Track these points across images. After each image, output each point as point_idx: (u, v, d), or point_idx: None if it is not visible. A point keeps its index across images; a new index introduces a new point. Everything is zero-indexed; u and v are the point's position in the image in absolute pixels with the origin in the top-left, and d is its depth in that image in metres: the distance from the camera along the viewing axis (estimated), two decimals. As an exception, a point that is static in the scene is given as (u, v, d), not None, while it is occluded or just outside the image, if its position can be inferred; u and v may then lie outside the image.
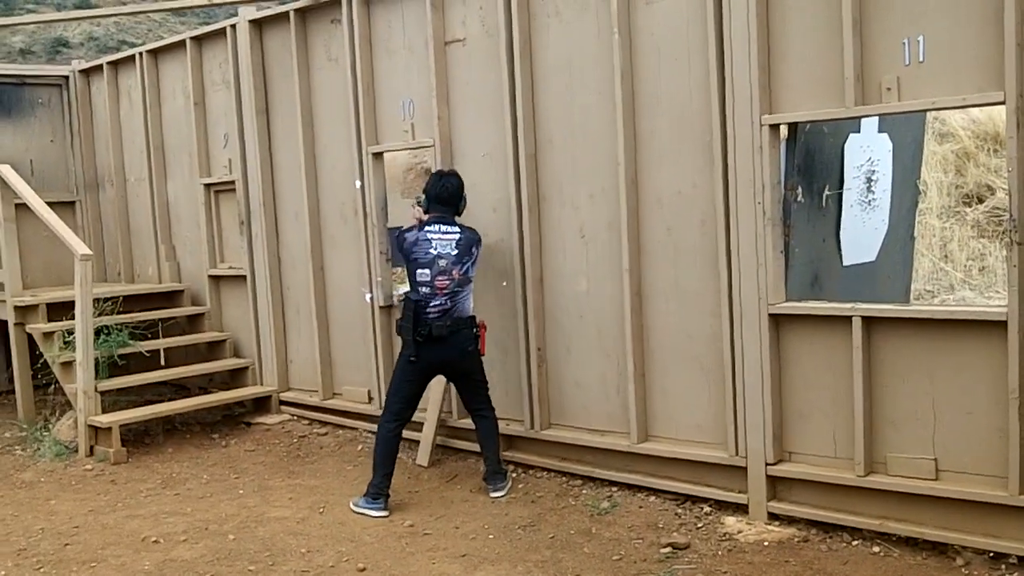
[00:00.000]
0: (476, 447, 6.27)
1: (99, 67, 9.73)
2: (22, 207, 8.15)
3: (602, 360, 5.86)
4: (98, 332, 7.50)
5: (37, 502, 6.28)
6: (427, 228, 5.82)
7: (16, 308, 8.06)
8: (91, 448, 7.24)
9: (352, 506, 5.75)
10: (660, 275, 5.53)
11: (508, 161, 6.12)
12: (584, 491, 5.82)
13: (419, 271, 5.74)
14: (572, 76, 5.83)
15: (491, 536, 5.22)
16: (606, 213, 5.72)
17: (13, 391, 8.58)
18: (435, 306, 5.73)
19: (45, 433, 7.65)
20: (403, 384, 5.88)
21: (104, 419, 7.17)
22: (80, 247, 7.40)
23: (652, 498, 5.57)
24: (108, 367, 7.53)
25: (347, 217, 7.36)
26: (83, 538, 5.55)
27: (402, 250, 5.83)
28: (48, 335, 7.78)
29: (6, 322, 8.28)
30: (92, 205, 9.96)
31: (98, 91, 9.78)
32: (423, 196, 6.02)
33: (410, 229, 5.87)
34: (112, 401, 7.61)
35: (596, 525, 5.28)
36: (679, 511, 5.38)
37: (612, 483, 5.80)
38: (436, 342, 5.74)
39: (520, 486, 6.01)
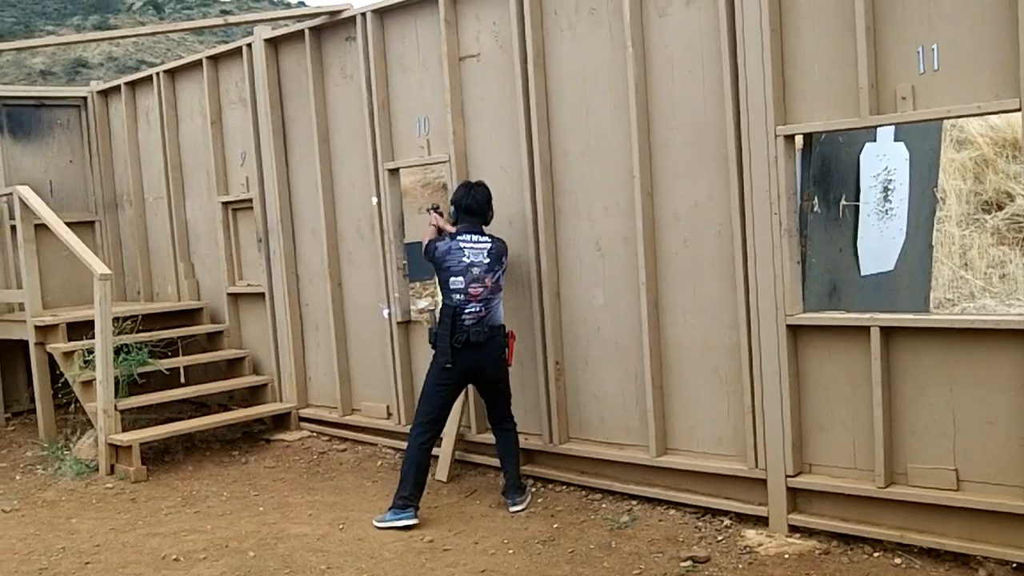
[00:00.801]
0: (495, 462, 6.27)
1: (117, 87, 9.83)
2: (42, 228, 8.24)
3: (620, 373, 5.85)
4: (118, 351, 7.55)
5: (58, 521, 6.31)
6: (459, 238, 5.85)
7: (36, 328, 8.13)
8: (111, 467, 7.26)
9: (376, 523, 5.72)
10: (677, 287, 5.52)
11: (523, 175, 6.13)
12: (603, 505, 5.80)
13: (452, 279, 5.76)
14: (586, 89, 5.84)
15: (511, 551, 5.21)
16: (622, 226, 5.72)
17: (34, 410, 8.65)
18: (470, 312, 5.76)
19: (66, 452, 7.70)
20: (435, 393, 5.87)
21: (124, 437, 7.20)
22: (99, 267, 7.45)
23: (672, 511, 5.55)
24: (128, 385, 7.58)
25: (364, 233, 7.38)
26: (104, 556, 5.56)
27: (433, 259, 5.85)
28: (68, 354, 7.82)
29: (27, 342, 8.35)
30: (111, 225, 10.03)
31: (116, 111, 9.87)
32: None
33: (440, 239, 5.91)
34: (132, 419, 7.65)
35: (616, 539, 5.26)
36: (699, 524, 5.35)
37: (631, 496, 5.78)
38: (472, 348, 5.76)
39: (539, 500, 6.00)
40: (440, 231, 6.04)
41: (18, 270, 9.04)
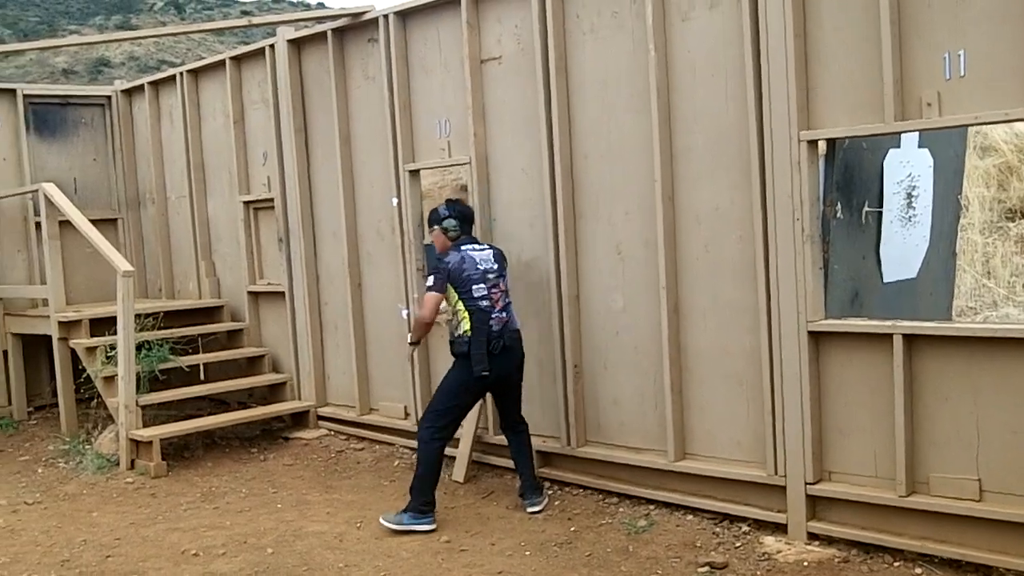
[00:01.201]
0: (511, 464, 6.26)
1: (140, 87, 9.90)
2: (66, 225, 8.30)
3: (639, 377, 5.84)
4: (139, 347, 7.61)
5: (80, 514, 6.36)
6: (463, 248, 5.85)
7: (60, 323, 8.19)
8: (132, 461, 7.32)
9: (391, 525, 5.67)
10: (697, 292, 5.51)
11: (544, 178, 6.13)
12: (621, 509, 5.79)
13: (475, 287, 5.73)
14: (608, 93, 5.84)
15: (527, 553, 5.21)
16: (642, 229, 5.72)
17: (56, 405, 8.72)
18: (496, 318, 5.76)
19: (87, 446, 7.76)
20: (461, 400, 5.86)
21: (145, 433, 7.25)
22: (122, 264, 7.50)
23: (689, 517, 5.53)
24: (149, 381, 7.62)
25: (384, 234, 7.41)
26: (124, 550, 5.61)
27: (450, 275, 5.75)
28: (91, 350, 7.88)
29: (50, 337, 8.41)
30: (134, 222, 10.11)
31: (139, 110, 9.94)
32: (442, 218, 6.01)
33: (445, 254, 5.86)
34: (153, 415, 7.70)
35: (633, 543, 5.25)
36: (717, 530, 5.33)
37: (649, 501, 5.77)
38: (505, 354, 5.77)
39: (556, 503, 6.00)
40: (454, 244, 5.96)
41: (42, 266, 9.13)
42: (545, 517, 5.77)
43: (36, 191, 8.61)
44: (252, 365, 8.58)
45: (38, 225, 9.10)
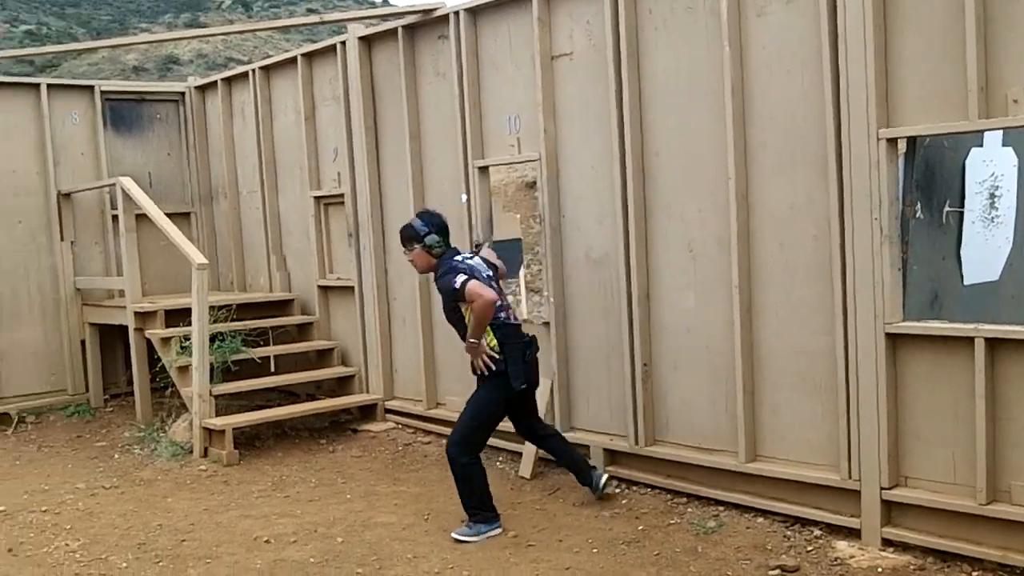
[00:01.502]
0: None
1: (214, 83, 10.06)
2: (141, 218, 8.48)
3: (710, 377, 5.79)
4: (213, 338, 7.75)
5: (155, 499, 6.51)
6: (456, 259, 5.59)
7: (136, 314, 8.39)
8: (205, 450, 7.46)
9: (469, 538, 5.45)
10: (771, 291, 5.45)
11: (615, 174, 6.11)
12: (689, 509, 5.75)
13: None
14: (680, 89, 5.79)
15: (595, 550, 5.20)
16: (715, 227, 5.67)
17: (131, 393, 8.93)
18: (515, 325, 5.65)
19: (162, 434, 7.94)
20: (496, 420, 5.72)
21: (218, 422, 7.39)
22: (197, 256, 7.65)
23: (760, 519, 5.48)
24: (222, 372, 7.76)
25: (453, 230, 7.41)
26: (198, 535, 5.73)
27: (464, 292, 5.37)
28: (166, 340, 8.05)
29: (126, 327, 8.61)
30: (206, 217, 10.29)
31: (212, 106, 10.11)
32: (422, 235, 5.63)
33: (451, 271, 5.47)
34: (225, 405, 7.84)
35: (702, 544, 5.21)
36: (788, 533, 5.27)
37: (718, 502, 5.72)
38: (534, 361, 5.71)
39: (623, 501, 5.98)
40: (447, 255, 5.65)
41: (118, 258, 9.35)
42: (612, 515, 5.75)
43: (113, 185, 8.80)
44: (321, 358, 8.68)
45: (114, 218, 9.35)
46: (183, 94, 10.37)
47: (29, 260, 9.34)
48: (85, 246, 9.67)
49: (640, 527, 5.52)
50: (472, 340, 5.46)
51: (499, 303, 5.47)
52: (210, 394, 7.52)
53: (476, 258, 5.72)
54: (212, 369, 7.61)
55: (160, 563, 5.30)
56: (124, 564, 5.30)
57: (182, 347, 7.89)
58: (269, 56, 9.67)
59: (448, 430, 7.49)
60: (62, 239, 9.45)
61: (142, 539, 5.70)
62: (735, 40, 5.43)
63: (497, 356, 5.49)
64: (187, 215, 10.20)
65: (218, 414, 7.60)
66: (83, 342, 9.47)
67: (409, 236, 5.66)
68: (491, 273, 5.65)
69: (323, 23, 8.47)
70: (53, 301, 9.44)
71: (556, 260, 6.58)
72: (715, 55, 5.55)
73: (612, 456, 6.34)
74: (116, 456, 7.71)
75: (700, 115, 5.70)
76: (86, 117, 9.74)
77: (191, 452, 7.51)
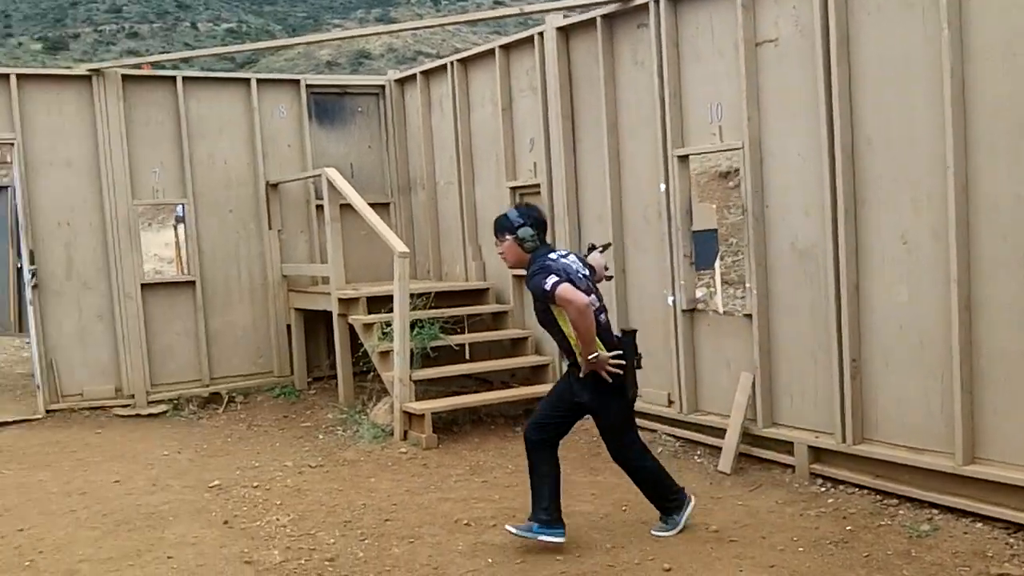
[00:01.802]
0: (782, 457, 6.14)
1: (412, 76, 10.36)
2: (345, 207, 8.82)
3: (924, 374, 5.54)
4: (412, 325, 7.98)
5: (359, 479, 6.77)
6: (550, 256, 5.10)
7: (340, 300, 8.73)
8: (405, 433, 7.70)
9: (519, 532, 5.23)
10: (993, 285, 5.16)
11: (823, 163, 5.93)
12: (900, 511, 5.52)
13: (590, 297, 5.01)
14: (894, 75, 5.56)
15: (800, 549, 5.08)
16: (931, 218, 5.41)
17: (333, 376, 9.31)
18: (607, 327, 5.20)
19: (363, 416, 8.25)
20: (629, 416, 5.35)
21: (418, 406, 7.62)
22: (399, 245, 7.90)
23: (978, 524, 5.20)
24: (420, 358, 7.99)
25: (650, 220, 7.40)
26: (401, 516, 5.91)
27: (555, 296, 4.86)
28: (368, 326, 8.35)
29: (329, 313, 8.98)
30: (404, 207, 10.61)
31: (411, 99, 10.40)
32: (516, 226, 5.14)
33: (542, 271, 4.96)
34: (423, 390, 8.08)
35: (915, 548, 5.01)
36: (1010, 540, 4.99)
37: (932, 505, 5.47)
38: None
39: (829, 501, 5.81)
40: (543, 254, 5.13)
41: (322, 246, 9.77)
42: (818, 514, 5.60)
43: (319, 176, 9.18)
44: (515, 346, 8.81)
45: (319, 208, 9.78)
46: (383, 87, 10.72)
47: (240, 248, 9.87)
48: (291, 234, 10.14)
49: (848, 527, 5.35)
50: (590, 357, 4.92)
51: (598, 304, 5.07)
52: (410, 379, 7.75)
53: (571, 256, 5.23)
54: (412, 355, 7.85)
55: (365, 541, 5.50)
56: (331, 540, 5.53)
57: (384, 333, 8.17)
58: (457, 49, 9.90)
59: (644, 422, 7.50)
60: (270, 228, 9.94)
61: (348, 517, 5.93)
62: (955, 23, 5.17)
63: (615, 364, 5.01)
64: (386, 205, 10.54)
65: (417, 399, 7.83)
66: (288, 326, 9.95)
67: (502, 226, 5.18)
68: (587, 272, 5.18)
69: (523, 14, 8.55)
70: (261, 287, 9.95)
71: (759, 251, 6.44)
72: (932, 40, 5.30)
73: (816, 453, 6.16)
74: (320, 437, 8.07)
75: (916, 102, 5.45)
76: (292, 110, 10.20)
77: (391, 435, 7.77)
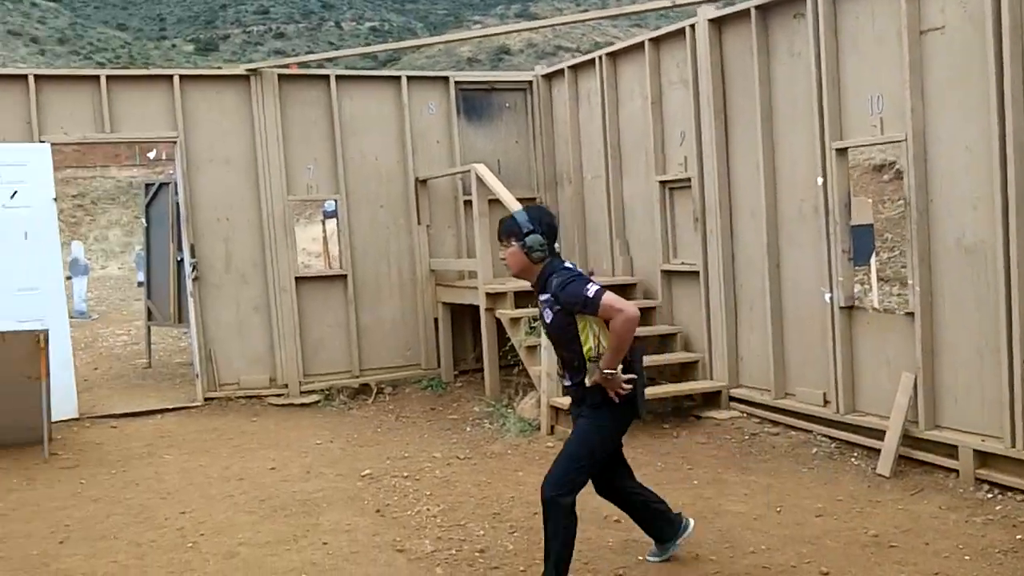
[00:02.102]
0: (944, 461, 5.89)
1: (560, 71, 10.37)
2: (493, 203, 8.91)
3: (1105, 377, 5.24)
4: (560, 319, 7.97)
5: (506, 472, 6.82)
6: (572, 267, 4.58)
7: (487, 294, 8.82)
8: (552, 427, 7.72)
9: None
10: None
11: (993, 155, 5.67)
12: (1078, 521, 5.25)
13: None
14: (1078, 61, 5.27)
15: (967, 558, 4.87)
16: (1116, 213, 5.11)
17: (479, 370, 9.42)
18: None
19: (509, 410, 8.32)
20: (609, 452, 4.85)
21: (565, 401, 7.56)
22: (547, 240, 7.91)
23: None
24: (568, 353, 7.99)
25: (806, 215, 7.21)
26: (550, 509, 5.93)
27: (600, 304, 4.34)
28: (515, 320, 8.41)
29: (476, 307, 9.09)
30: (551, 202, 10.62)
31: (559, 94, 10.42)
32: (524, 232, 4.51)
33: (577, 279, 4.43)
34: (569, 385, 8.07)
35: (1094, 561, 4.74)
36: None
37: (1114, 515, 5.18)
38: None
39: (996, 508, 5.54)
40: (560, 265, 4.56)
41: (469, 241, 9.90)
42: (984, 522, 5.36)
43: (468, 171, 9.30)
44: (664, 343, 8.72)
45: (466, 203, 9.91)
46: (530, 83, 10.78)
47: (390, 242, 10.08)
48: (439, 229, 10.30)
49: (1018, 536, 5.10)
50: (609, 371, 4.38)
51: None
52: (558, 373, 7.75)
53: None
54: (559, 349, 7.85)
55: (515, 533, 5.54)
56: (481, 532, 5.59)
57: (531, 327, 8.21)
58: (597, 43, 9.90)
59: (798, 422, 7.35)
60: (419, 223, 10.12)
61: (496, 509, 5.98)
62: None
63: (627, 383, 4.50)
64: (533, 200, 10.56)
65: (563, 393, 7.82)
66: (435, 320, 10.10)
67: (508, 230, 4.56)
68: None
69: (676, 7, 8.45)
70: (410, 281, 10.14)
71: (922, 246, 6.20)
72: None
73: (982, 458, 5.89)
74: (467, 429, 8.17)
75: (1101, 88, 5.15)
76: (441, 107, 10.35)
77: (538, 429, 7.81)
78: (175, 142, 9.42)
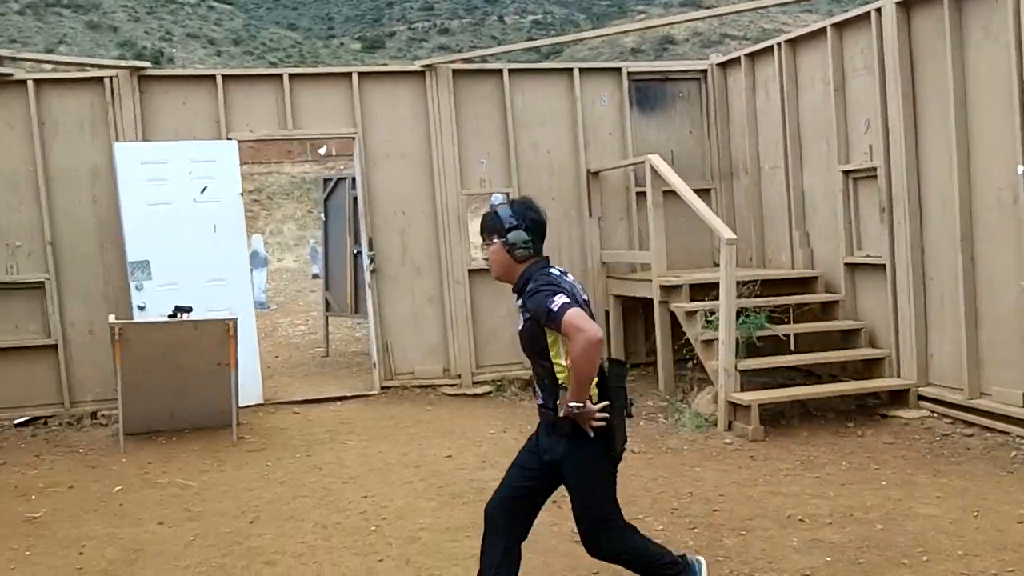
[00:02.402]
0: None
1: (736, 60, 10.16)
2: (667, 194, 8.80)
3: None
4: (738, 313, 7.83)
5: (683, 468, 6.73)
6: (552, 272, 3.97)
7: (661, 287, 8.73)
8: (729, 423, 7.58)
9: None
10: None
11: None
12: None
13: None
14: None
15: None
16: None
17: (651, 363, 9.34)
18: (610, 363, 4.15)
19: (684, 405, 8.21)
20: (612, 482, 4.10)
21: (744, 397, 7.48)
22: (726, 232, 7.79)
23: None
24: (745, 348, 7.84)
25: (1004, 204, 6.82)
26: (729, 507, 5.81)
27: (561, 321, 3.70)
28: (691, 314, 8.30)
29: (647, 300, 9.01)
30: (726, 192, 10.43)
31: (735, 82, 10.20)
32: (506, 228, 3.98)
33: (547, 288, 3.81)
34: (747, 381, 7.90)
35: None
36: None
37: None
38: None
39: None
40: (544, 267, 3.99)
41: (641, 233, 9.82)
42: None
43: (642, 163, 9.21)
44: (846, 338, 8.43)
45: (638, 195, 9.83)
46: (704, 72, 10.59)
47: (561, 235, 10.07)
48: (610, 221, 10.24)
49: None
50: (574, 405, 3.77)
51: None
52: (735, 369, 7.63)
53: (571, 276, 4.12)
54: (737, 344, 7.71)
55: (695, 530, 5.46)
56: (660, 527, 5.52)
57: (707, 321, 8.08)
58: (765, 30, 9.68)
59: (994, 423, 6.98)
60: (590, 215, 10.10)
61: (674, 505, 5.91)
62: None
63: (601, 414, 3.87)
64: (707, 191, 10.37)
65: (741, 389, 7.69)
66: (606, 313, 10.06)
67: (490, 226, 4.05)
68: (587, 298, 4.06)
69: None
70: (581, 274, 10.08)
71: None
72: None
73: None
74: (641, 423, 8.09)
75: None
76: (614, 98, 10.28)
77: (715, 425, 7.68)
78: (353, 137, 9.70)
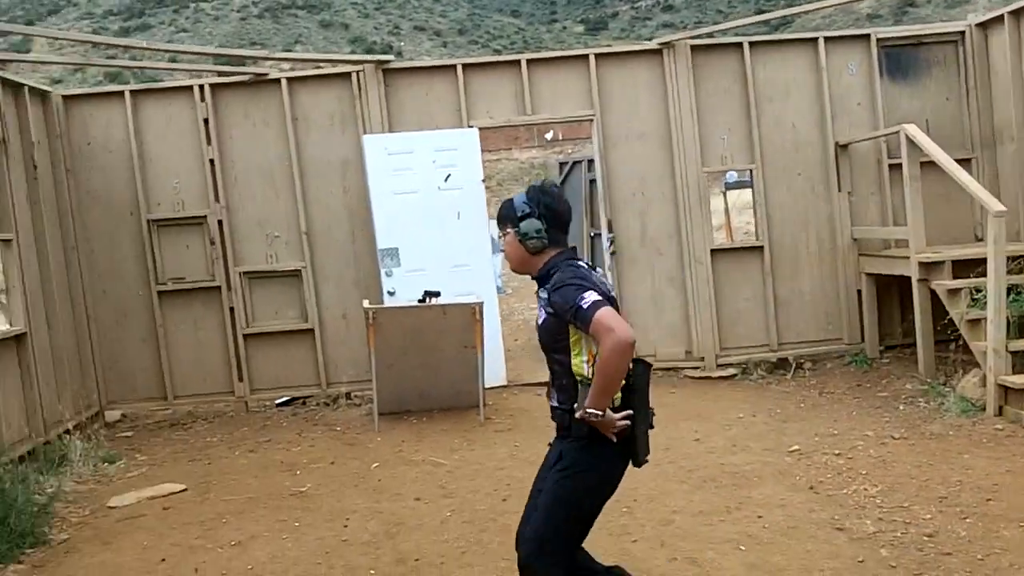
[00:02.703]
0: None
1: (999, 18, 9.42)
2: (924, 165, 8.30)
3: None
4: (1008, 291, 7.29)
5: (949, 454, 6.36)
6: (581, 266, 3.62)
7: (920, 264, 8.24)
8: (999, 408, 7.10)
9: None
10: None
11: None
12: None
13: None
14: None
15: None
16: None
17: (908, 345, 8.86)
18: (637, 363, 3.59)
19: (947, 388, 7.75)
20: (600, 505, 3.69)
21: (1016, 380, 6.98)
22: (995, 204, 7.26)
23: None
24: (1017, 328, 7.29)
25: None
26: (1005, 497, 5.45)
27: (592, 321, 3.35)
28: (954, 292, 7.80)
29: (903, 277, 8.54)
30: (988, 162, 9.71)
31: (997, 43, 9.47)
32: (519, 216, 3.66)
33: (576, 283, 3.46)
34: (1018, 362, 7.34)
35: None
36: None
37: None
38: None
39: None
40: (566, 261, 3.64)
41: (894, 208, 9.33)
42: None
43: (896, 133, 8.72)
44: None
45: (891, 167, 9.35)
46: (962, 33, 9.89)
47: (808, 211, 9.73)
48: (861, 196, 9.76)
49: None
50: (593, 412, 3.41)
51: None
52: (1006, 350, 7.11)
53: (599, 271, 3.75)
54: (1008, 323, 7.18)
55: (967, 520, 5.16)
56: (927, 515, 5.26)
57: (973, 299, 7.58)
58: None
59: None
60: (839, 189, 9.68)
61: (943, 493, 5.60)
62: None
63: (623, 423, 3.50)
64: (967, 161, 9.67)
65: (1012, 372, 7.16)
66: (858, 292, 9.62)
67: (504, 215, 3.73)
68: (614, 295, 3.67)
69: None
70: (829, 251, 9.73)
71: None
72: None
73: None
74: (900, 407, 7.71)
75: None
76: (862, 67, 9.79)
77: (983, 409, 7.20)
78: (592, 120, 9.71)
